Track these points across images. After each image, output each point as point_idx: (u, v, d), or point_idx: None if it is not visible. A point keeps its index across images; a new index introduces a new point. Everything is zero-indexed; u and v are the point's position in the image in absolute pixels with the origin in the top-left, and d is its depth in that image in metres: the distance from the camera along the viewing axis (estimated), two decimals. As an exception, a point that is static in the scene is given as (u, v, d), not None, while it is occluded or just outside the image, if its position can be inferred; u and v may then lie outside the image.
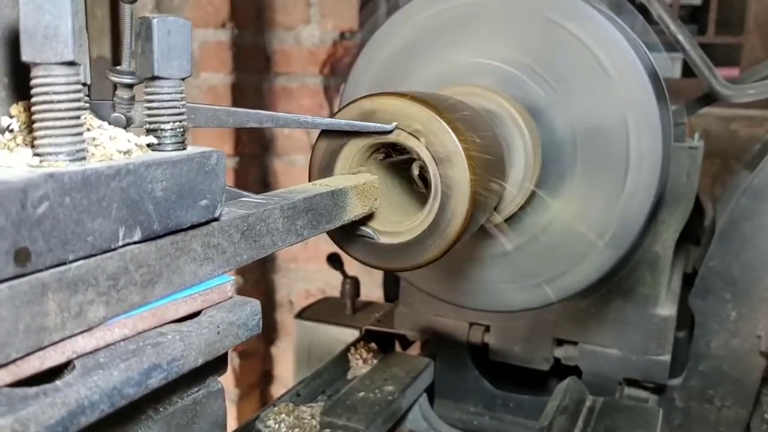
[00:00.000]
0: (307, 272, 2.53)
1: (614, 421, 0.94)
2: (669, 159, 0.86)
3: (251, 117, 0.58)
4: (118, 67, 0.48)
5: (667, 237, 1.05)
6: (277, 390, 2.65)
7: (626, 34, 0.84)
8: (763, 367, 1.08)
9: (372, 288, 1.91)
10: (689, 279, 1.17)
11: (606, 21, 0.83)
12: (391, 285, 1.54)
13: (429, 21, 0.90)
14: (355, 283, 1.55)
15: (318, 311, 1.53)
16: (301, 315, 1.52)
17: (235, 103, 2.33)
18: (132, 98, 0.49)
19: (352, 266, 1.58)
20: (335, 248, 0.71)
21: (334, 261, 1.58)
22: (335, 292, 1.75)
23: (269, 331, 2.63)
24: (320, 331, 1.44)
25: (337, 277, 1.62)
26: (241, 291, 0.53)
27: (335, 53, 2.35)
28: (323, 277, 2.48)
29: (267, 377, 2.66)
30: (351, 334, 1.34)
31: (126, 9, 0.46)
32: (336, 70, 2.35)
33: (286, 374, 2.61)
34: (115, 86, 0.48)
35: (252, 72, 2.40)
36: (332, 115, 0.66)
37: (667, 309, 1.08)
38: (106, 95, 0.51)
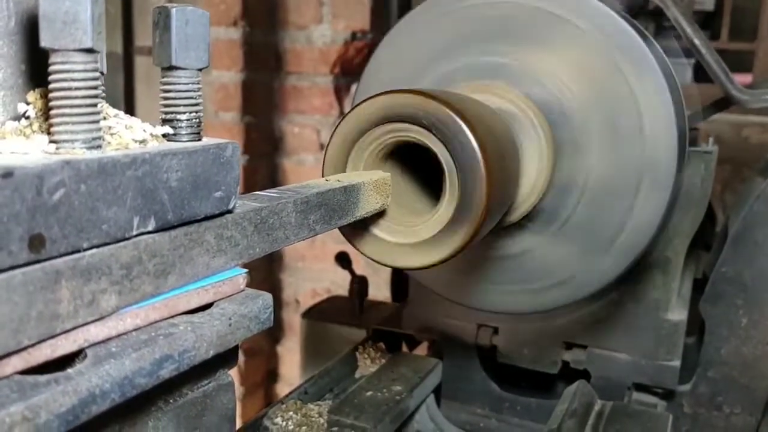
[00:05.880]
0: (314, 271, 2.53)
1: (623, 426, 0.94)
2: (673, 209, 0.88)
3: None
4: None
5: (679, 242, 1.05)
6: (282, 389, 2.65)
7: (672, 90, 0.82)
8: (773, 375, 1.07)
9: (380, 288, 1.91)
10: (699, 285, 1.17)
11: (660, 75, 0.81)
12: (399, 285, 1.54)
13: (447, 20, 0.90)
14: (363, 282, 1.54)
15: (325, 310, 1.53)
16: (308, 314, 1.51)
17: (245, 101, 2.33)
18: None
19: (360, 265, 1.58)
20: (343, 247, 0.70)
21: (342, 260, 1.57)
22: (342, 292, 1.74)
23: (275, 329, 2.63)
24: (328, 331, 1.43)
25: (344, 276, 1.61)
26: (246, 289, 0.54)
27: (346, 53, 2.34)
28: (330, 276, 2.48)
29: (272, 376, 2.66)
30: (358, 334, 1.34)
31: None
32: (346, 70, 2.35)
33: (291, 373, 2.61)
34: None
35: (263, 71, 2.40)
36: (343, 114, 0.66)
37: (677, 314, 1.07)
38: (117, 90, 0.51)
